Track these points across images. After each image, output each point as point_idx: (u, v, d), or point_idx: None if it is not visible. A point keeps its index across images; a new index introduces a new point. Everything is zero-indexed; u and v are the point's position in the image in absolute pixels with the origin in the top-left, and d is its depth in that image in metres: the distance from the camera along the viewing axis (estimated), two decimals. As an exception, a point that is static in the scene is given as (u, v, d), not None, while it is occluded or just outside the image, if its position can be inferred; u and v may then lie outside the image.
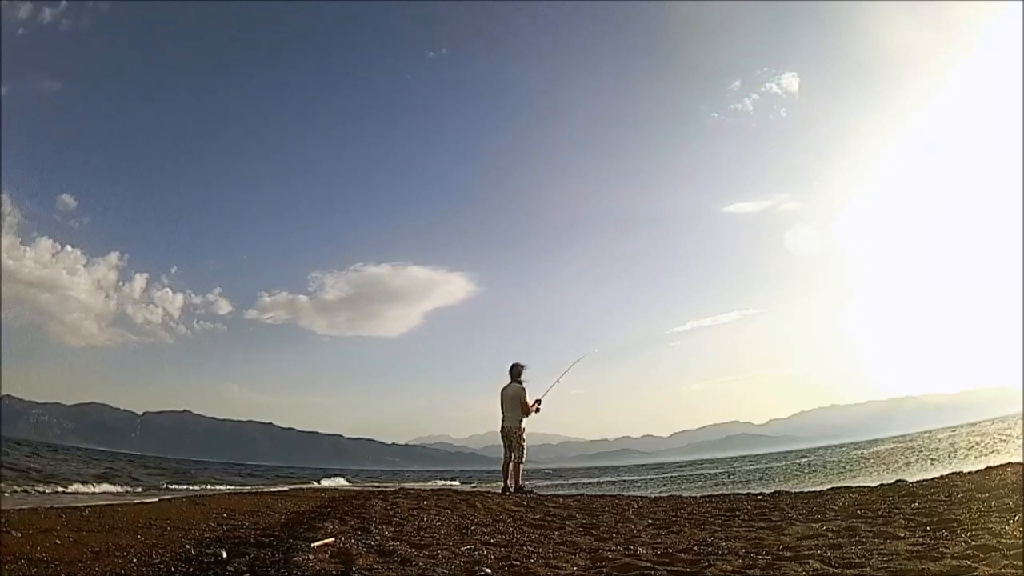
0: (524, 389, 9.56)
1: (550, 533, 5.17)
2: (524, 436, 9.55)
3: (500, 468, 9.94)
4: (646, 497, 9.19)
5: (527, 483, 9.79)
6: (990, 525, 4.07)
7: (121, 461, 30.53)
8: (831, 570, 3.24)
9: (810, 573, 3.20)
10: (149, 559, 3.80)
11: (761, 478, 17.86)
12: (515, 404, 9.53)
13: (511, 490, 9.19)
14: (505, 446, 9.62)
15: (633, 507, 7.17)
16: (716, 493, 9.98)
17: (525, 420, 9.55)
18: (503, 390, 9.67)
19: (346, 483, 22.81)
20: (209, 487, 16.33)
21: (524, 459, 9.58)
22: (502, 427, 9.58)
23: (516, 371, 9.68)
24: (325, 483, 21.97)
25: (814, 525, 4.89)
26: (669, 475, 27.62)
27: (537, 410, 9.61)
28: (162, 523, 5.17)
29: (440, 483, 22.68)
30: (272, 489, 13.86)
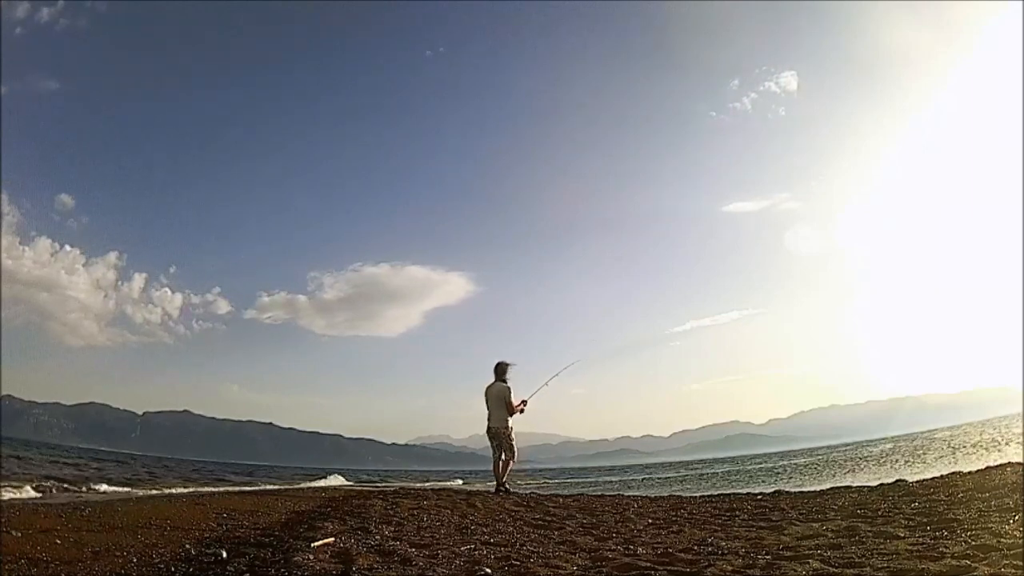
0: (509, 388, 9.49)
1: (550, 533, 5.16)
2: (513, 435, 9.53)
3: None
4: (646, 497, 9.19)
5: (507, 482, 9.68)
6: (990, 525, 4.08)
7: (121, 461, 30.53)
8: (831, 570, 3.24)
9: (810, 573, 3.20)
10: (149, 559, 3.80)
11: (761, 478, 17.86)
12: (500, 403, 9.47)
13: (503, 489, 9.17)
14: (494, 446, 9.58)
15: (633, 507, 7.16)
16: (716, 493, 9.97)
17: (511, 419, 9.53)
18: (487, 389, 9.59)
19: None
20: (209, 487, 16.30)
21: (516, 458, 9.56)
22: (488, 427, 9.52)
23: (500, 370, 9.61)
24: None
25: (814, 525, 4.89)
26: (669, 475, 27.61)
27: (522, 411, 9.58)
28: (162, 523, 5.16)
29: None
30: (271, 487, 13.84)
